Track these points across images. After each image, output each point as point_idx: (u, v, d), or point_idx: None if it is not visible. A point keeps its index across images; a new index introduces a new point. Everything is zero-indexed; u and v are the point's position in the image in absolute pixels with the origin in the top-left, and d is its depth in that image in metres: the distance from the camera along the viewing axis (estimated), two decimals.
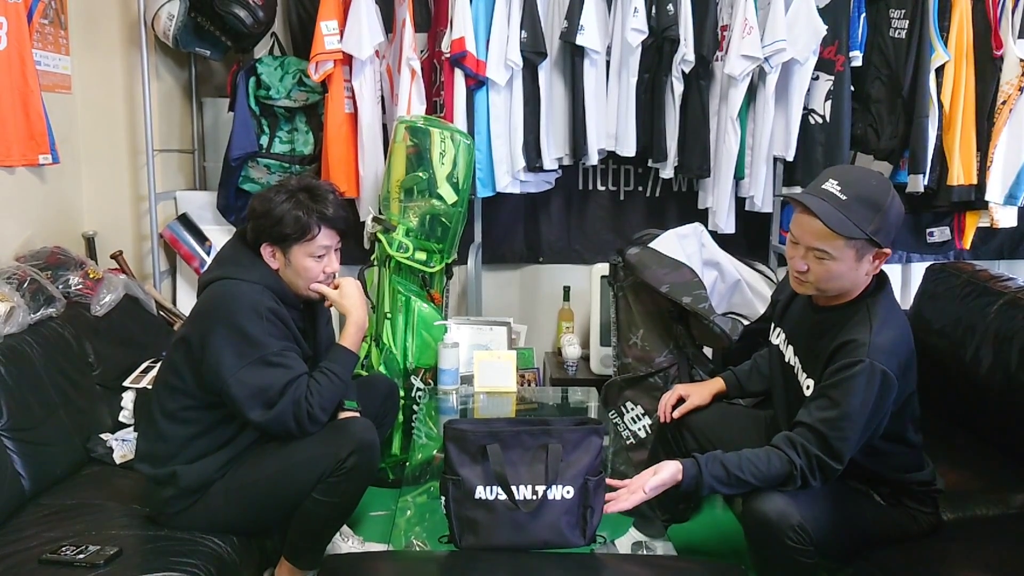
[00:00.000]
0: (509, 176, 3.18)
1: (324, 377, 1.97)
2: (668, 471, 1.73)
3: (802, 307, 1.95)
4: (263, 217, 1.98)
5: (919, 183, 3.06)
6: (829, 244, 1.72)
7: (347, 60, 3.01)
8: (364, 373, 2.70)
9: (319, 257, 2.02)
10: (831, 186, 1.73)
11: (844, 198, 1.71)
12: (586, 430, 1.80)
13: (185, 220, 3.31)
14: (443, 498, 1.77)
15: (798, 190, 3.16)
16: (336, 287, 2.10)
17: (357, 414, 2.07)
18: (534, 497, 1.75)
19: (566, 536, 1.76)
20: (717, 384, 2.22)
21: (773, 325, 2.07)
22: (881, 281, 1.84)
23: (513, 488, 1.74)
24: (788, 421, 1.89)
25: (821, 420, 1.70)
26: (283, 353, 1.92)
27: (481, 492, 1.75)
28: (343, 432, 1.95)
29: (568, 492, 1.76)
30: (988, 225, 3.19)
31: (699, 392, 2.19)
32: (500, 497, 1.74)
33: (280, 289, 2.00)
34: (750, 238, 3.31)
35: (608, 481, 1.77)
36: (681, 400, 2.19)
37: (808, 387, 1.83)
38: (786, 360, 1.96)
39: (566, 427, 1.80)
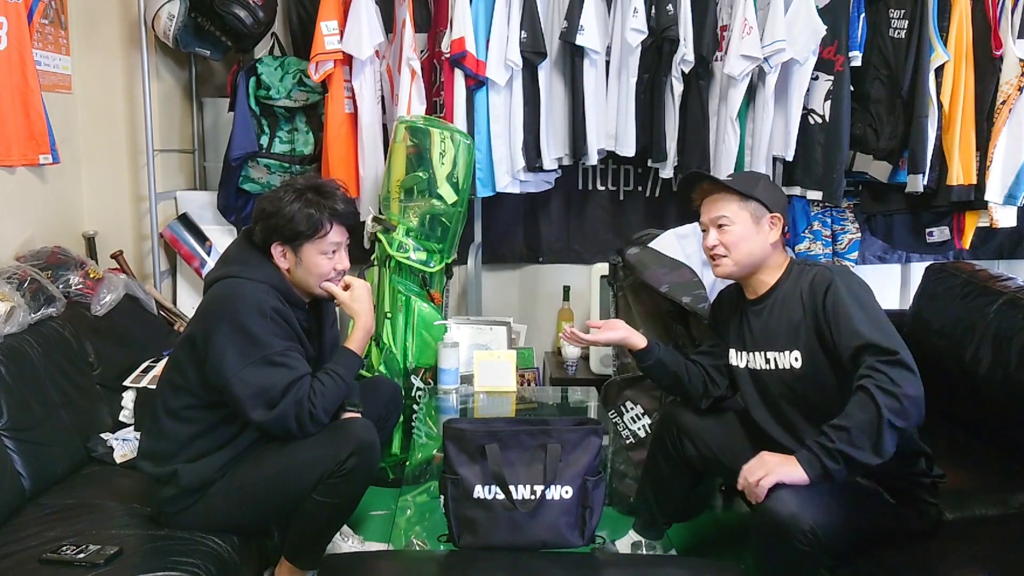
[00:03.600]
0: (509, 176, 3.18)
1: (328, 379, 1.96)
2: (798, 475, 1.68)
3: (740, 315, 2.04)
4: (273, 217, 1.98)
5: (918, 183, 3.05)
6: (726, 207, 1.95)
7: (347, 60, 3.01)
8: (367, 374, 2.70)
9: (331, 254, 2.02)
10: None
11: (727, 178, 2.02)
12: (585, 430, 1.80)
13: (185, 220, 3.31)
14: (442, 497, 1.77)
15: (797, 190, 3.17)
16: (347, 287, 2.10)
17: (359, 415, 2.07)
18: (532, 497, 1.75)
19: (565, 536, 1.76)
20: (640, 340, 2.14)
21: (732, 351, 2.08)
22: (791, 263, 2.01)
23: (511, 488, 1.74)
24: (781, 426, 1.93)
25: (866, 329, 1.73)
26: (286, 353, 1.92)
27: (479, 491, 1.75)
28: (343, 433, 1.94)
29: (567, 492, 1.76)
30: (987, 225, 3.17)
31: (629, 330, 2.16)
32: (498, 497, 1.75)
33: (286, 289, 2.00)
34: None
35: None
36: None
37: (797, 358, 1.89)
38: (756, 368, 1.99)
39: (565, 427, 1.80)
